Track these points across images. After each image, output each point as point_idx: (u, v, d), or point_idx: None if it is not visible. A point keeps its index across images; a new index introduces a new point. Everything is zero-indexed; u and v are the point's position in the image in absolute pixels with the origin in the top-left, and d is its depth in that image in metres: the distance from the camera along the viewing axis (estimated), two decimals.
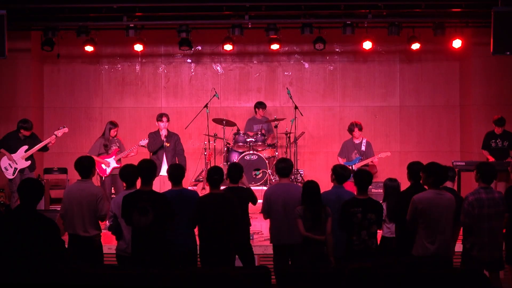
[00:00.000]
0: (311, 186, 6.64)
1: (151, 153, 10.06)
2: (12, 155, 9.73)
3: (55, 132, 9.86)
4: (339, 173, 6.97)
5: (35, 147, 9.78)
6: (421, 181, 6.61)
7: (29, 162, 9.80)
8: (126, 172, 6.69)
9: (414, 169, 6.75)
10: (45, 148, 9.98)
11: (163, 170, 9.43)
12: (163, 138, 9.91)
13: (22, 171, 9.77)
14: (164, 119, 9.95)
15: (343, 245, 6.47)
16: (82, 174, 6.76)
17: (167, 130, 10.02)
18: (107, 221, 7.07)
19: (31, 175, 9.63)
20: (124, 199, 6.30)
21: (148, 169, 6.45)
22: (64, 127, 9.95)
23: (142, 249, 6.18)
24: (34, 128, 10.15)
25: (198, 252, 6.77)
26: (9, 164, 9.73)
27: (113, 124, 10.00)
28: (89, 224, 6.66)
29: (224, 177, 6.98)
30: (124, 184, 6.80)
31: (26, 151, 9.77)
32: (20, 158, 9.74)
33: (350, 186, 7.05)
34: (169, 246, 6.42)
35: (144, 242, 6.17)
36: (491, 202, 6.49)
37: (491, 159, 10.23)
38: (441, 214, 6.29)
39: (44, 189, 5.67)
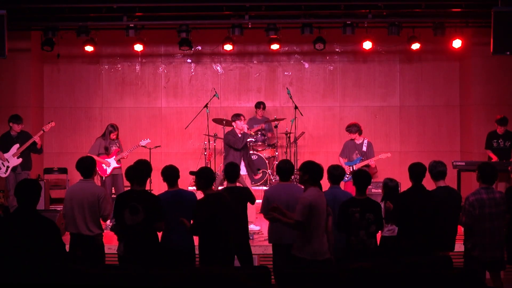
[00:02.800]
0: None
1: (235, 151, 9.92)
2: (4, 154, 9.81)
3: (43, 127, 10.02)
4: (331, 173, 6.96)
5: (26, 143, 9.84)
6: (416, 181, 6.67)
7: (20, 160, 9.85)
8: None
9: (415, 170, 6.73)
10: (39, 151, 10.06)
11: (243, 169, 9.63)
12: (247, 130, 10.01)
13: (14, 169, 9.85)
14: (242, 117, 10.11)
15: (343, 245, 6.46)
16: (84, 174, 6.80)
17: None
18: (109, 221, 7.06)
19: (25, 174, 9.73)
20: (117, 198, 6.44)
21: (143, 169, 6.50)
22: (51, 122, 10.09)
23: (133, 248, 6.26)
24: (34, 128, 10.15)
25: (196, 252, 6.77)
26: (2, 163, 9.82)
27: (114, 128, 10.01)
28: (92, 224, 6.69)
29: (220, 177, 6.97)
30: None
31: (18, 149, 9.84)
32: (11, 156, 9.84)
33: (350, 186, 7.04)
34: (165, 246, 6.45)
35: (134, 241, 6.24)
36: (492, 202, 6.50)
37: (495, 158, 10.19)
38: None
39: (41, 189, 5.63)
